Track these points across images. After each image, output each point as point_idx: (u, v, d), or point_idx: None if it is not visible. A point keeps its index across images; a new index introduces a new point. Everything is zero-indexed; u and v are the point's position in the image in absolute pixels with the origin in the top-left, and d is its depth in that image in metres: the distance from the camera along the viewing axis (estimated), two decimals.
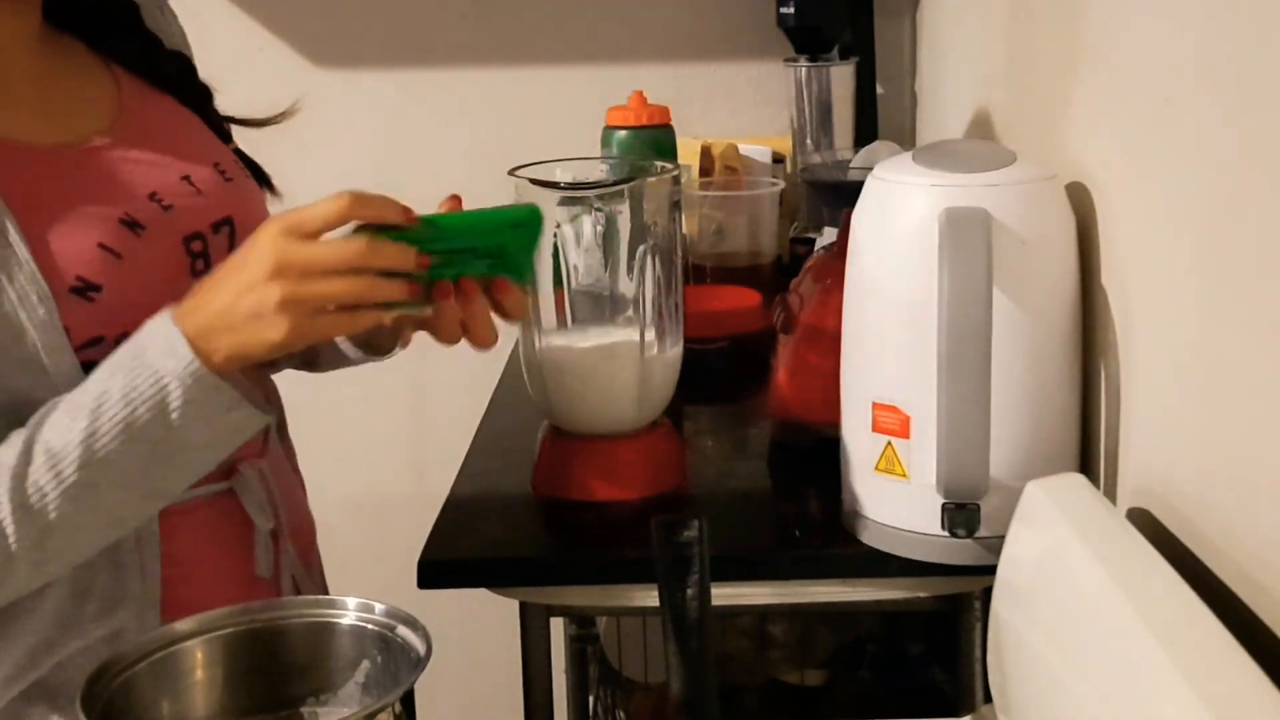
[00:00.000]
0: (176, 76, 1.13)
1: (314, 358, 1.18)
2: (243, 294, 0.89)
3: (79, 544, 0.93)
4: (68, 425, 0.89)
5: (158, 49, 1.13)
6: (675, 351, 1.22)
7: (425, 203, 1.09)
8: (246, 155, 1.17)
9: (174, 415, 0.90)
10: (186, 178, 1.05)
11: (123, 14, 1.11)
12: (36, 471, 0.89)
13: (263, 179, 1.17)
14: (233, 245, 1.05)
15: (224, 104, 1.18)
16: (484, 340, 0.97)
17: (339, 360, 1.18)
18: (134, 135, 1.05)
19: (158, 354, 0.90)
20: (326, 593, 1.22)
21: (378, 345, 1.15)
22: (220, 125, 1.16)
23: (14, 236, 0.92)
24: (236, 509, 1.07)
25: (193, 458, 0.94)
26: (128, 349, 0.92)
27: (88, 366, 0.93)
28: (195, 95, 1.14)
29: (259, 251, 0.89)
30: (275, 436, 1.15)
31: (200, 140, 1.12)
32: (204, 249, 1.04)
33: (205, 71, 1.17)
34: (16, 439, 0.90)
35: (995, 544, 0.91)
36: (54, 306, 0.92)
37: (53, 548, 0.91)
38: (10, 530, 0.88)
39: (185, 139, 1.10)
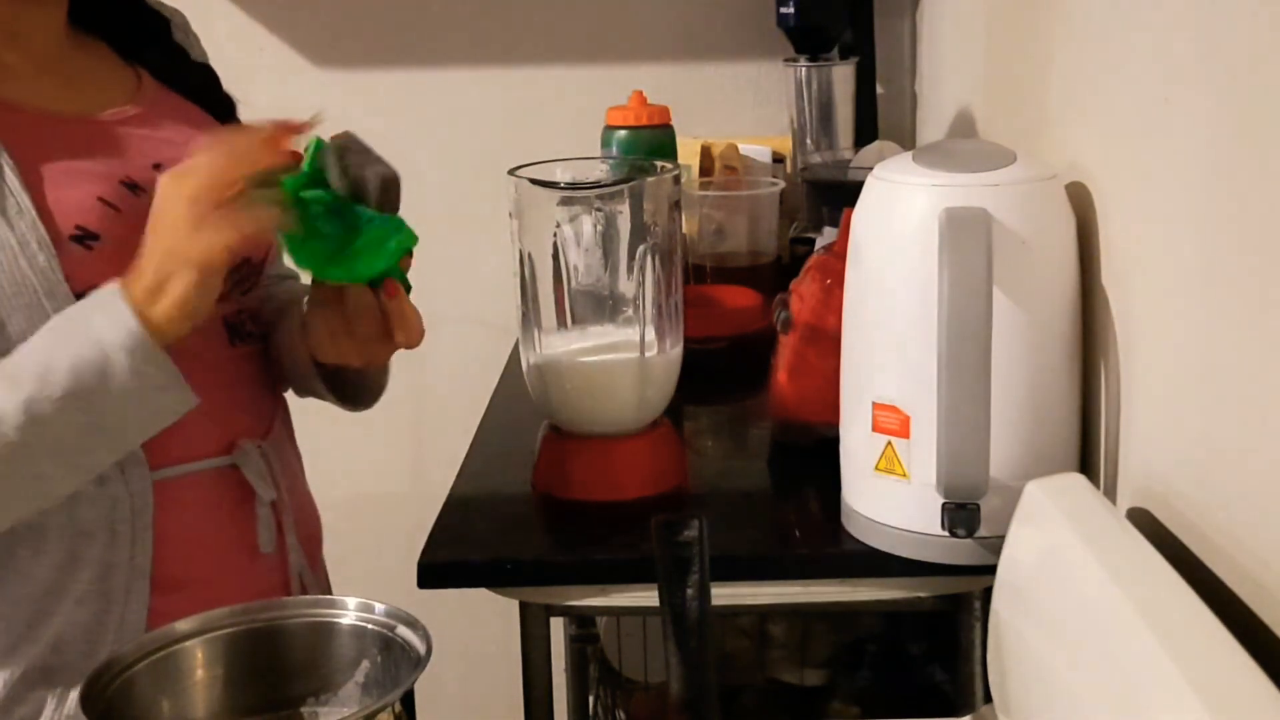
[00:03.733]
0: (201, 86, 1.16)
1: (342, 385, 1.18)
2: (179, 226, 0.92)
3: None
4: (8, 389, 0.91)
5: (184, 59, 1.16)
6: (675, 351, 1.22)
7: (423, 204, 1.09)
8: None
9: (115, 386, 0.92)
10: None
11: (151, 23, 1.15)
12: None
13: None
14: None
15: None
16: (418, 334, 1.04)
17: (362, 391, 1.20)
18: (147, 118, 1.08)
19: (103, 323, 0.92)
20: (330, 592, 1.22)
21: (372, 384, 1.19)
22: None
23: (15, 186, 0.95)
24: (236, 484, 1.08)
25: (123, 435, 0.96)
26: (72, 314, 0.94)
27: None
28: (219, 105, 1.16)
29: (165, 199, 0.93)
30: (280, 426, 1.16)
31: (212, 129, 1.13)
32: None
33: None
34: None
35: (995, 544, 0.91)
36: (54, 253, 0.95)
37: None
38: None
39: (197, 126, 1.12)
